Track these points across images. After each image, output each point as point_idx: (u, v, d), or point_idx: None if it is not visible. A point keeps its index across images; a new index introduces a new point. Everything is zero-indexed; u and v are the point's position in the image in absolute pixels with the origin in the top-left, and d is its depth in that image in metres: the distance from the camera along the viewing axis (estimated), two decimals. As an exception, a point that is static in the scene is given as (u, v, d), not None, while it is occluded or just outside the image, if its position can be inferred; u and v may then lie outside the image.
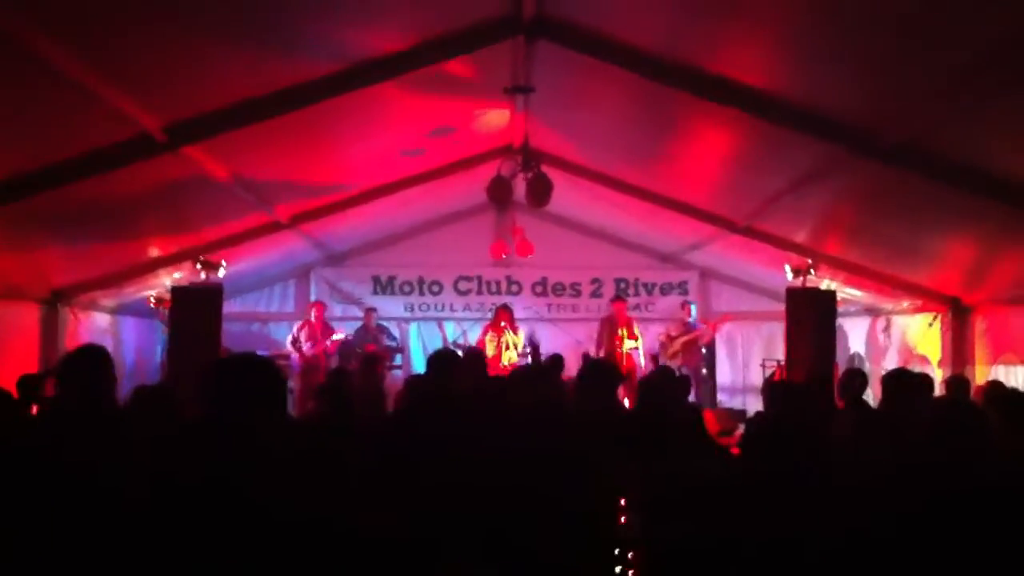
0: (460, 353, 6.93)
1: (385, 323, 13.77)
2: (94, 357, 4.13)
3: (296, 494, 2.92)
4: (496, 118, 9.26)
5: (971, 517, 3.38)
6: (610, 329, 12.73)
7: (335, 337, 12.96)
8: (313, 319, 13.05)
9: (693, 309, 13.41)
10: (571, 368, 9.66)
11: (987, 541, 3.36)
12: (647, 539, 4.07)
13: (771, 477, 3.61)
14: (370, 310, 13.60)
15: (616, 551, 4.11)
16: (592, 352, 12.48)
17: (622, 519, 4.24)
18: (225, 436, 2.93)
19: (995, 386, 7.60)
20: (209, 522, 2.74)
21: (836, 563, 3.33)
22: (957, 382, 8.71)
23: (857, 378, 7.11)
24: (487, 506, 4.13)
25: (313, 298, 13.82)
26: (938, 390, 7.95)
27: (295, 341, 12.86)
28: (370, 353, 11.02)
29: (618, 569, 4.07)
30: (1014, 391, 6.94)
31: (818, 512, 3.45)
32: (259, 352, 11.76)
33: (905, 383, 6.03)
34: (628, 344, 12.38)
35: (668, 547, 3.88)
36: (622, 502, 4.24)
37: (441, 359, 5.38)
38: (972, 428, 3.93)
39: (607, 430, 4.84)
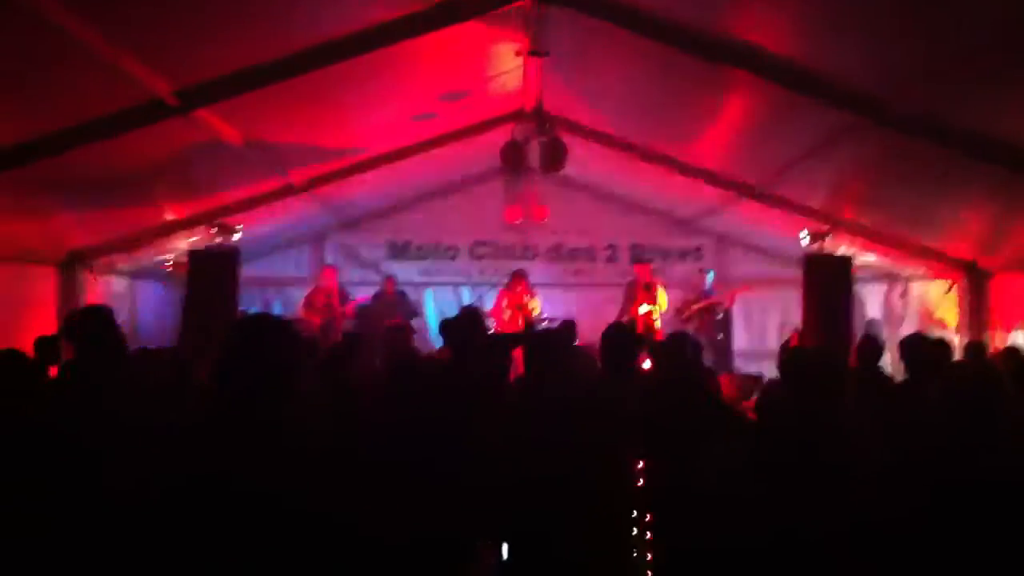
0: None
1: (401, 288, 13.73)
2: (98, 319, 4.08)
3: (306, 486, 2.91)
4: (510, 81, 9.18)
5: (984, 504, 3.35)
6: (630, 292, 12.68)
7: (351, 299, 12.92)
8: (324, 284, 12.93)
9: (709, 277, 13.31)
10: (585, 333, 9.60)
11: (999, 529, 3.33)
12: (661, 527, 4.07)
13: (784, 467, 3.59)
14: (389, 278, 13.55)
15: (631, 539, 4.12)
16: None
17: (636, 508, 4.24)
18: (239, 423, 2.90)
19: (1011, 353, 7.55)
20: (220, 512, 2.73)
21: (849, 550, 3.32)
22: (975, 349, 8.65)
23: (873, 345, 7.08)
24: (499, 498, 4.13)
25: (329, 263, 13.80)
26: (957, 356, 7.90)
27: (308, 305, 12.79)
28: (394, 326, 10.95)
29: (634, 555, 4.08)
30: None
31: (833, 499, 3.43)
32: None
33: (923, 348, 6.00)
34: (643, 307, 12.31)
35: (680, 535, 3.88)
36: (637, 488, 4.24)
37: (457, 329, 5.33)
38: (986, 407, 3.87)
39: (623, 411, 4.81)
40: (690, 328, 12.24)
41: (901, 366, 6.22)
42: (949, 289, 10.70)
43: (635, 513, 4.21)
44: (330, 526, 2.86)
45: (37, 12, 4.75)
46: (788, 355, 6.64)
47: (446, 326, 5.38)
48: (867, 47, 5.96)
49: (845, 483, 3.53)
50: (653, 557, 4.08)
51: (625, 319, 12.22)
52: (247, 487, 2.73)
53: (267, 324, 3.13)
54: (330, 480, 3.09)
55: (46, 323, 8.65)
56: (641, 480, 4.26)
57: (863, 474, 3.67)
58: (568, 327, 9.43)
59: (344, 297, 12.90)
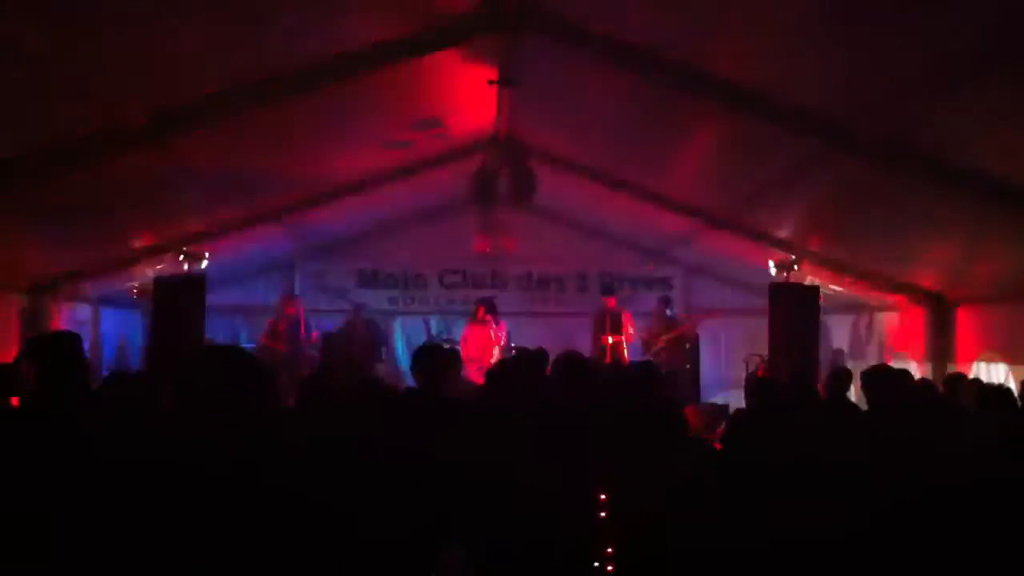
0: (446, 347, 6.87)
1: (370, 316, 13.69)
2: (64, 343, 4.02)
3: (292, 492, 2.89)
4: (481, 110, 9.23)
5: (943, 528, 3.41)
6: (598, 323, 12.76)
7: (315, 328, 12.86)
8: (288, 313, 12.77)
9: (671, 304, 13.41)
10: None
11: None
12: (624, 534, 4.06)
13: (748, 475, 3.62)
14: (358, 307, 13.54)
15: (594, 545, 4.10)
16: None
17: (600, 514, 4.23)
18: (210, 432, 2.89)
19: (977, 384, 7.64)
20: (191, 516, 2.71)
21: (810, 558, 3.34)
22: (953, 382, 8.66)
23: (841, 375, 7.15)
24: (469, 504, 4.11)
25: (297, 291, 13.73)
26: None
27: (272, 335, 12.66)
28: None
29: (596, 565, 4.07)
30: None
31: (795, 509, 3.46)
32: (243, 344, 11.75)
33: (885, 379, 6.04)
34: (611, 339, 12.40)
35: (645, 543, 3.88)
36: (600, 497, 4.23)
37: (428, 358, 5.33)
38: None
39: (584, 424, 4.83)
40: (659, 358, 12.30)
41: (864, 397, 6.26)
42: (915, 319, 10.81)
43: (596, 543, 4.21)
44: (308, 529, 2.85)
45: (3, 35, 4.73)
46: (758, 381, 6.71)
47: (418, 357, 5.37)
48: (835, 76, 6.05)
49: (815, 507, 3.56)
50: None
51: (596, 350, 12.34)
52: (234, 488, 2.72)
53: (226, 357, 3.11)
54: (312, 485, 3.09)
55: (10, 351, 8.54)
56: (603, 512, 4.26)
57: (833, 499, 3.70)
58: (540, 357, 9.44)
59: (308, 326, 12.82)
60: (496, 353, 12.16)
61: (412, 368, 5.25)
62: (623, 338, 12.49)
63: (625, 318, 12.74)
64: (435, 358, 5.27)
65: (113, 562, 2.88)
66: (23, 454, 3.50)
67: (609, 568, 4.05)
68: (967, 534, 3.38)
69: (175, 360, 8.47)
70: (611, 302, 12.85)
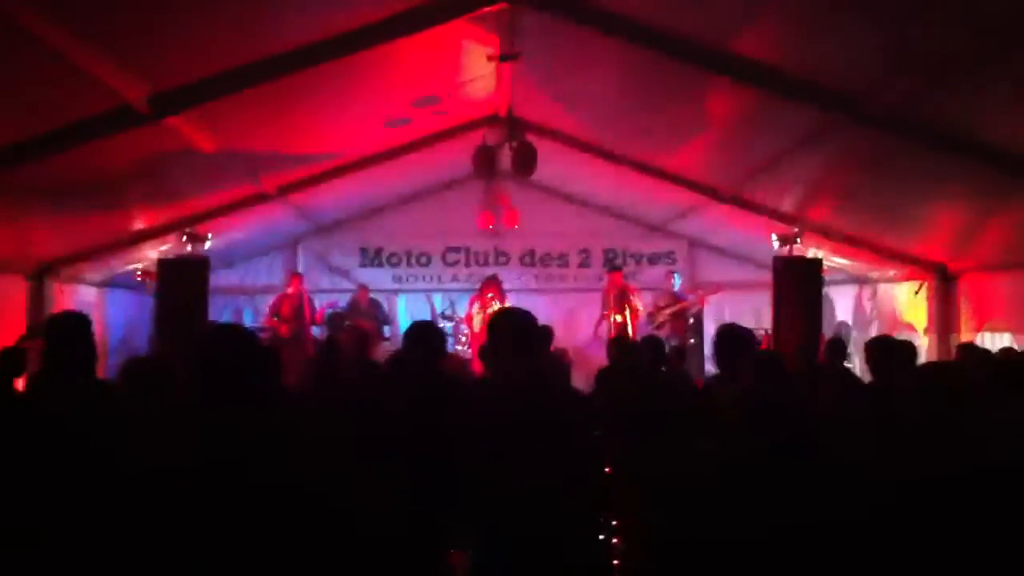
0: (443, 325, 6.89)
1: (374, 296, 13.72)
2: (77, 324, 4.05)
3: (290, 475, 2.91)
4: (482, 86, 9.20)
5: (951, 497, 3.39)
6: (604, 300, 12.82)
7: (318, 307, 12.87)
8: (291, 292, 12.81)
9: (677, 279, 13.41)
10: (557, 339, 9.66)
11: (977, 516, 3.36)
12: (632, 511, 4.09)
13: (756, 454, 3.62)
14: (363, 286, 13.55)
15: (600, 523, 4.13)
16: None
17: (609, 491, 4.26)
18: (222, 417, 2.91)
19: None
20: (206, 502, 2.73)
21: (825, 539, 3.34)
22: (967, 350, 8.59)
23: (837, 344, 7.19)
24: (476, 482, 4.13)
25: (301, 270, 13.73)
26: (924, 358, 7.96)
27: (276, 314, 12.67)
28: (363, 331, 10.91)
29: (602, 537, 4.10)
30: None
31: (804, 489, 3.46)
32: (246, 324, 11.78)
33: (888, 349, 6.06)
34: (616, 316, 12.42)
35: (653, 521, 3.90)
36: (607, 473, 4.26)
37: (420, 334, 5.33)
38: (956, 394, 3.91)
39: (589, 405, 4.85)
40: (662, 333, 12.32)
41: (869, 368, 6.28)
42: (918, 290, 10.81)
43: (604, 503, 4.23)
44: (312, 511, 2.87)
45: (5, 16, 4.71)
46: (754, 357, 6.72)
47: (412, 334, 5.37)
48: (841, 45, 6.00)
49: (816, 476, 3.56)
50: (621, 542, 4.10)
51: (602, 326, 12.41)
52: (231, 474, 2.74)
53: (227, 338, 3.12)
54: (309, 465, 3.10)
55: (16, 334, 8.57)
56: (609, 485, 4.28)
57: (833, 467, 3.70)
58: (544, 333, 9.45)
59: (313, 305, 12.83)
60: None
61: (403, 345, 5.25)
62: (628, 315, 12.48)
63: (632, 293, 12.74)
64: (425, 335, 5.28)
65: (117, 557, 2.91)
66: (19, 448, 3.53)
67: (615, 540, 4.10)
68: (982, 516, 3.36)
69: (181, 344, 8.55)
70: (617, 278, 12.86)
